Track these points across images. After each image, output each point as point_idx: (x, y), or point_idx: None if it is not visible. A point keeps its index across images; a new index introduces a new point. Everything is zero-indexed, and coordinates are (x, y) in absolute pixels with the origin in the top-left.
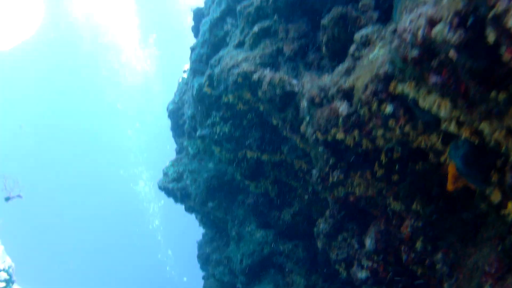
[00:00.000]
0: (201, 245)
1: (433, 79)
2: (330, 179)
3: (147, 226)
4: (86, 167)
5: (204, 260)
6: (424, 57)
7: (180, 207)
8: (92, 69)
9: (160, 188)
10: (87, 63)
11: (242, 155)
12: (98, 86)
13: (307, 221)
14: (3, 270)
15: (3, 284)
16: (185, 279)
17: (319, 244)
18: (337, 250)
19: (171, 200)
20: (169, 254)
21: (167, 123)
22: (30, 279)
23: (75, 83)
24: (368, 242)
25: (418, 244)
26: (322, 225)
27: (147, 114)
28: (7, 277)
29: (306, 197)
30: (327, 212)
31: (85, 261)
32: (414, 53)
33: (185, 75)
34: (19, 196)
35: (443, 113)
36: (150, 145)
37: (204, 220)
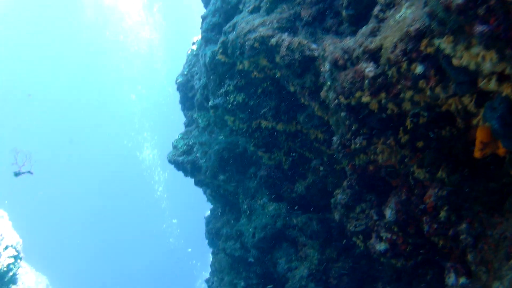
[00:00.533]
0: (209, 221)
1: (478, 28)
2: (352, 145)
3: (152, 195)
4: (92, 135)
5: (214, 235)
6: (470, 5)
7: (186, 178)
8: (95, 32)
9: (169, 161)
10: (91, 26)
11: (256, 125)
12: (101, 50)
13: (321, 193)
14: (11, 246)
15: (11, 260)
16: (189, 249)
17: (336, 216)
18: (355, 221)
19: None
20: (174, 223)
21: (170, 92)
22: (36, 255)
23: (78, 47)
24: (388, 213)
25: (442, 214)
26: (339, 196)
27: (150, 81)
28: (15, 253)
29: (322, 168)
30: (345, 183)
31: (90, 232)
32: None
33: (194, 47)
34: (29, 172)
35: (487, 66)
36: (153, 112)
37: (214, 194)
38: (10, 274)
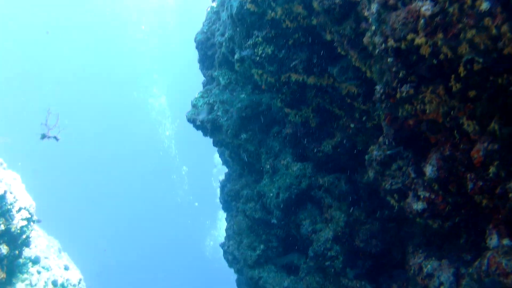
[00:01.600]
0: (224, 185)
1: None
2: (398, 94)
3: (161, 144)
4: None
5: (232, 197)
6: None
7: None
8: None
9: (189, 120)
10: None
11: (286, 79)
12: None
13: (350, 153)
14: (24, 208)
15: (24, 223)
16: (196, 204)
17: (371, 173)
18: (390, 179)
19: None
20: (183, 175)
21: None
22: (48, 220)
23: None
24: (429, 170)
25: (491, 170)
26: (375, 152)
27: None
28: (28, 215)
29: (352, 125)
30: (381, 139)
31: (101, 195)
32: None
33: (214, 4)
34: (55, 138)
35: None
36: (164, 54)
37: (233, 156)
38: (23, 236)
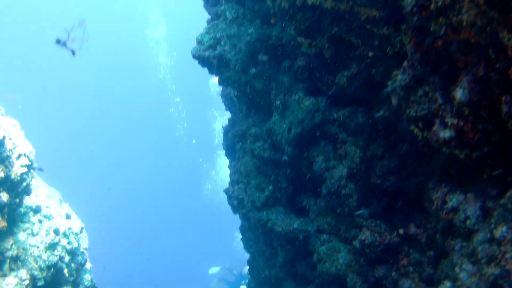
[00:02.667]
0: (227, 130)
1: None
2: (432, 5)
3: (156, 75)
4: None
5: (238, 138)
6: None
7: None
8: None
9: (194, 57)
10: None
11: (301, 3)
12: None
13: (366, 86)
14: (24, 155)
15: (25, 170)
16: (194, 141)
17: (394, 100)
18: (416, 105)
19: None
20: (179, 109)
21: None
22: (48, 170)
23: None
24: (459, 93)
25: None
26: (400, 76)
27: None
28: (28, 162)
29: (371, 54)
30: (405, 63)
31: (99, 139)
32: None
33: None
34: (73, 51)
35: None
36: None
37: (239, 95)
38: (24, 184)
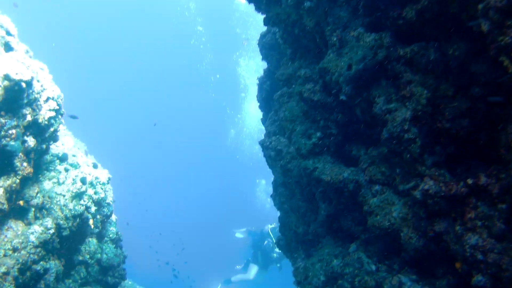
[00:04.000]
0: (262, 83)
1: None
2: None
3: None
4: None
5: (283, 83)
6: None
7: None
8: None
9: None
10: None
11: None
12: None
13: (438, 20)
14: (52, 98)
15: (53, 114)
16: (218, 76)
17: (485, 26)
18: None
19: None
20: (203, 41)
21: None
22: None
23: None
24: None
25: None
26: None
27: None
28: (57, 107)
29: None
30: None
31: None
32: None
33: None
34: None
35: None
36: None
37: (286, 37)
38: (51, 129)
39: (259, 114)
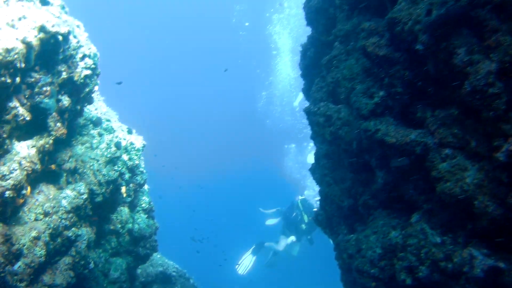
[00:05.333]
0: (306, 50)
1: None
2: None
3: None
4: None
5: (341, 40)
6: None
7: None
8: None
9: None
10: None
11: None
12: None
13: None
14: (88, 56)
15: (88, 73)
16: (246, 24)
17: None
18: None
19: None
20: None
21: None
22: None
23: None
24: None
25: None
26: None
27: None
28: (93, 65)
29: None
30: None
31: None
32: None
33: None
34: None
35: None
36: None
37: None
38: (87, 90)
39: (290, 79)
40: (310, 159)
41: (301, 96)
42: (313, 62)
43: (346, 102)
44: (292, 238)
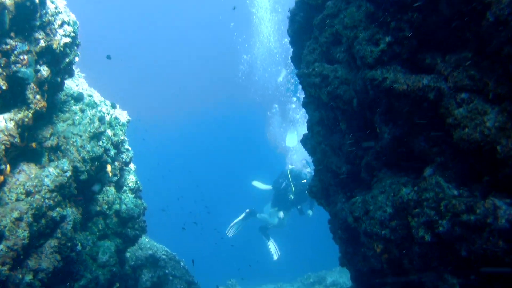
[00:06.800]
0: (295, 14)
1: None
2: None
3: None
4: None
5: None
6: None
7: None
8: None
9: None
10: None
11: None
12: None
13: None
14: (68, 23)
15: (68, 41)
16: None
17: None
18: None
19: None
20: None
21: None
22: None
23: None
24: None
25: None
26: None
27: None
28: (73, 34)
29: None
30: None
31: None
32: None
33: None
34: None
35: None
36: None
37: None
38: (67, 60)
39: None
40: (290, 141)
41: (284, 72)
42: (302, 26)
43: (347, 53)
44: (281, 214)
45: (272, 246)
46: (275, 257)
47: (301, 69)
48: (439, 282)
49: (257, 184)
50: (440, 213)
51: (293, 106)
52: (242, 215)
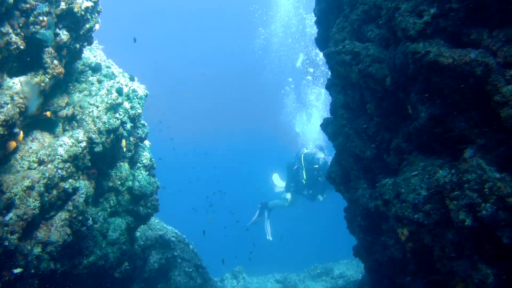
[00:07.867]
0: None
1: None
2: None
3: None
4: None
5: None
6: None
7: None
8: None
9: None
10: None
11: None
12: None
13: None
14: None
15: (90, 4)
16: None
17: None
18: None
19: None
20: None
21: None
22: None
23: None
24: None
25: None
26: None
27: None
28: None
29: None
30: None
31: None
32: None
33: None
34: None
35: None
36: None
37: None
38: (87, 26)
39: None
40: (276, 180)
41: (302, 57)
42: (330, 5)
43: (386, 27)
44: (288, 195)
45: (268, 228)
46: (269, 237)
47: (329, 47)
48: (472, 271)
49: (275, 179)
50: (484, 196)
51: (309, 78)
52: (257, 213)
